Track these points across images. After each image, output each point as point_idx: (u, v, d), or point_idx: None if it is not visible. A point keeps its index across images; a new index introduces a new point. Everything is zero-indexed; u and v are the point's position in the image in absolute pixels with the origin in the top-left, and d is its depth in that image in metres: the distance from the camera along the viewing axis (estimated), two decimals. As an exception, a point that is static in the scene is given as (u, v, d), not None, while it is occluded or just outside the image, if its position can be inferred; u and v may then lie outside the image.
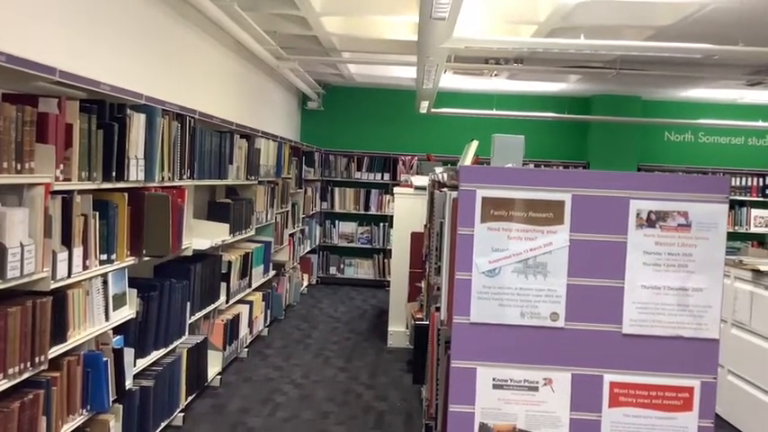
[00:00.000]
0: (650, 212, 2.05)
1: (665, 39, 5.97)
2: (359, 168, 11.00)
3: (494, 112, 9.79)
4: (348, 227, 11.06)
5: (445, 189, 3.22)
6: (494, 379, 2.06)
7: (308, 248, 10.17)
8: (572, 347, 2.07)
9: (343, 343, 7.28)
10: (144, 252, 4.03)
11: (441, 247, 2.90)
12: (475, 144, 5.27)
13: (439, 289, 3.11)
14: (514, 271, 2.07)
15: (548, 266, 2.06)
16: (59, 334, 3.21)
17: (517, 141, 3.30)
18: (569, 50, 6.17)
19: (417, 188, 7.29)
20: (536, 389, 2.06)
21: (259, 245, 6.97)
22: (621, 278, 2.06)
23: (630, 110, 10.39)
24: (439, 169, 3.87)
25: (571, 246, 2.07)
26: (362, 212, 11.00)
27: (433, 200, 4.61)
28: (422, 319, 5.81)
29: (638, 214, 2.05)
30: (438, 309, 2.89)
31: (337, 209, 11.03)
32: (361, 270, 11.01)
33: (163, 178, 4.26)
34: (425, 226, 6.03)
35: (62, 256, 3.16)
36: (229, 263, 5.92)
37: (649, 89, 9.78)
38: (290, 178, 8.55)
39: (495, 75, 8.47)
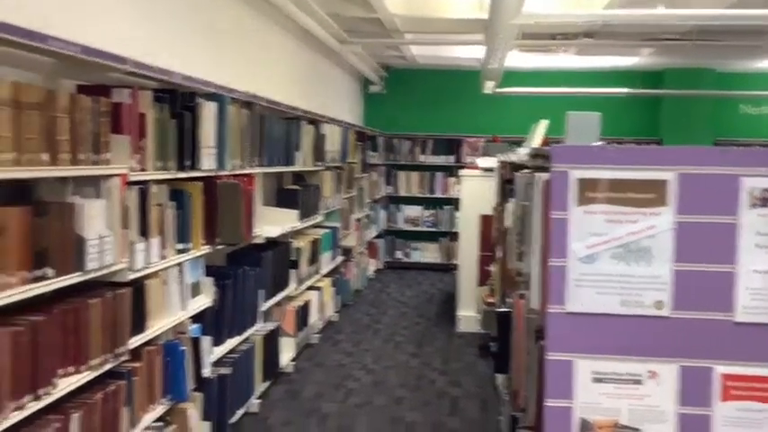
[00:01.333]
0: (765, 190, 1.89)
1: (749, 6, 5.65)
2: (423, 151, 10.88)
3: (563, 89, 9.51)
4: (413, 210, 10.97)
5: (525, 170, 3.09)
6: (594, 372, 1.94)
7: (375, 233, 10.12)
8: (679, 338, 1.93)
9: (413, 328, 7.22)
10: (218, 240, 4.02)
11: (524, 231, 2.78)
12: (544, 124, 5.10)
13: (520, 275, 2.99)
14: (614, 257, 1.94)
15: (651, 251, 1.92)
16: (139, 324, 3.21)
17: (592, 119, 3.14)
18: (647, 22, 5.91)
19: (484, 170, 7.14)
20: (640, 382, 1.93)
21: (327, 231, 6.94)
22: (733, 262, 1.91)
23: (704, 82, 9.98)
24: (522, 150, 3.72)
25: (676, 228, 1.92)
26: (427, 196, 10.89)
27: (507, 182, 4.48)
28: (494, 305, 5.69)
29: (750, 192, 1.89)
30: (522, 296, 2.77)
31: (402, 193, 10.94)
32: (427, 254, 10.91)
33: (233, 166, 4.24)
34: (495, 208, 5.89)
35: (140, 246, 3.16)
36: (298, 249, 5.91)
37: (723, 60, 9.35)
38: (355, 163, 8.50)
39: (564, 50, 8.22)
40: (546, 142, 5.08)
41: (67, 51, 2.65)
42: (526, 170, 3.06)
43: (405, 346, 6.51)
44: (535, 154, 2.69)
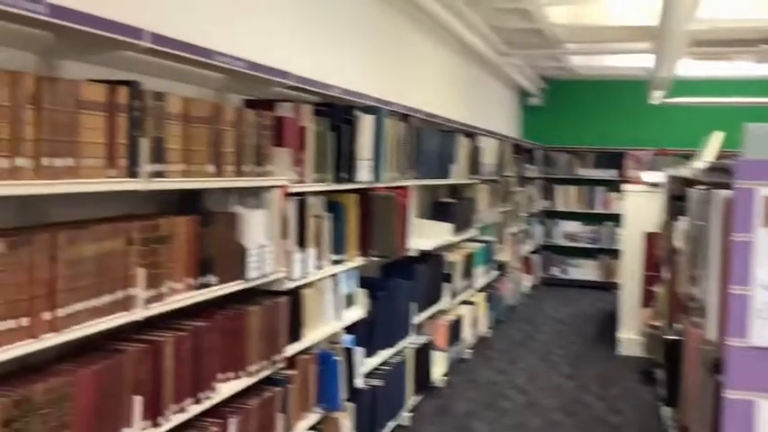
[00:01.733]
0: None
1: None
2: (582, 165, 10.50)
3: (739, 99, 8.83)
4: (571, 226, 10.60)
5: (700, 186, 2.85)
6: (782, 414, 1.73)
7: (530, 248, 9.87)
8: None
9: (569, 347, 6.94)
10: (372, 253, 4.04)
11: (698, 253, 2.56)
12: (719, 136, 4.73)
13: (693, 300, 2.76)
14: (808, 285, 1.72)
15: None
16: (295, 333, 3.27)
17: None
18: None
19: (649, 185, 6.75)
20: (838, 429, 1.70)
21: (481, 245, 6.83)
22: None
23: None
24: (696, 164, 3.46)
25: None
26: (586, 211, 10.49)
27: (677, 198, 4.19)
28: (659, 329, 5.34)
29: None
30: (696, 324, 2.55)
31: (560, 207, 10.61)
32: (586, 271, 10.50)
33: (389, 179, 4.25)
34: (662, 226, 5.54)
35: (297, 256, 3.21)
36: (452, 263, 5.84)
37: None
38: (511, 176, 8.33)
39: (741, 57, 7.64)
40: (721, 156, 4.72)
41: (234, 67, 2.75)
42: (701, 186, 2.82)
43: (560, 367, 6.26)
44: (713, 168, 2.47)
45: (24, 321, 1.83)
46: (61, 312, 1.94)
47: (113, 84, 2.12)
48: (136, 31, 2.22)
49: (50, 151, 1.88)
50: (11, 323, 1.79)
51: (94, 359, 2.15)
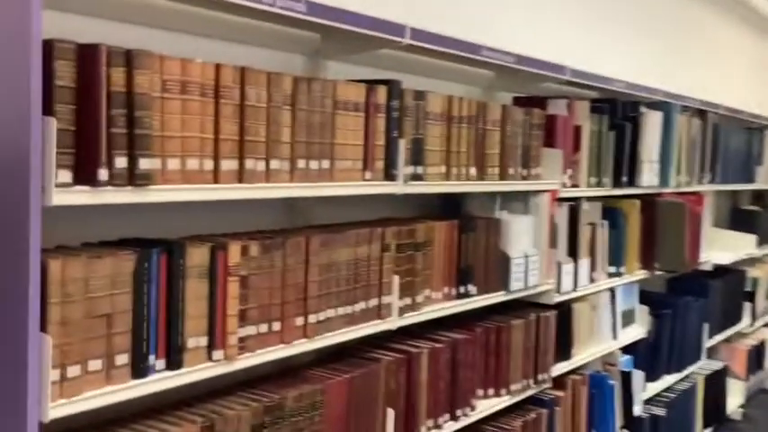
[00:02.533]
0: None
1: None
2: None
3: None
4: None
5: None
6: None
7: None
8: None
9: None
10: (656, 266, 3.61)
11: None
12: None
13: None
14: None
15: None
16: (563, 351, 3.00)
17: None
18: None
19: None
20: None
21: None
22: None
23: None
24: None
25: None
26: None
27: None
28: None
29: None
30: None
31: None
32: None
33: (678, 183, 3.78)
34: None
35: (567, 267, 2.94)
36: (755, 280, 5.12)
37: None
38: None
39: None
40: None
41: (502, 62, 2.56)
42: None
43: None
44: None
45: (276, 326, 1.80)
46: (313, 318, 1.89)
47: (372, 83, 2.04)
48: (399, 29, 2.12)
49: (306, 153, 1.84)
50: (263, 327, 1.77)
51: (347, 366, 2.09)
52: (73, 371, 1.40)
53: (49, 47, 1.33)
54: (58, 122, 1.32)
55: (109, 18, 1.71)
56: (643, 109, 3.38)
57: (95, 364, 1.44)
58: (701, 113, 4.05)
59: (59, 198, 1.34)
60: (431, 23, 2.23)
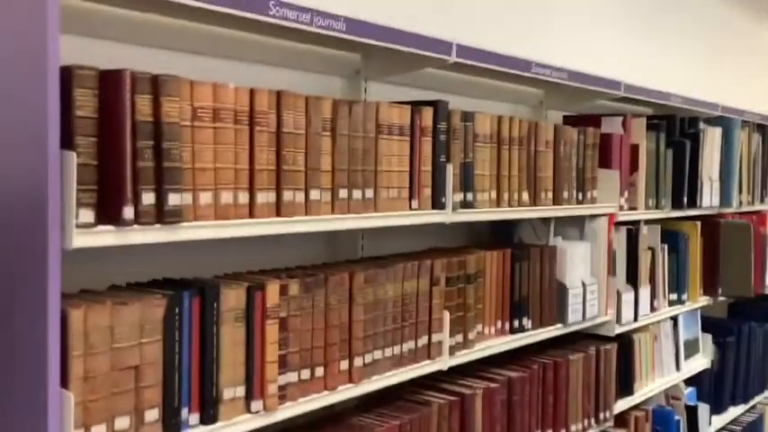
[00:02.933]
0: None
1: None
2: None
3: None
4: None
5: None
6: None
7: None
8: None
9: None
10: (720, 291, 3.39)
11: None
12: None
13: None
14: None
15: None
16: (625, 386, 2.81)
17: None
18: None
19: None
20: None
21: None
22: None
23: None
24: None
25: None
26: None
27: None
28: None
29: None
30: None
31: None
32: None
33: (740, 203, 3.56)
34: None
35: (627, 296, 2.75)
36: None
37: None
38: None
39: None
40: None
41: (553, 78, 2.40)
42: None
43: None
44: None
45: (319, 371, 1.66)
46: (359, 361, 1.74)
47: (416, 105, 1.90)
48: (445, 46, 1.98)
49: (348, 182, 1.70)
50: (305, 373, 1.62)
51: (396, 411, 1.93)
52: (98, 431, 1.26)
53: (67, 74, 1.21)
54: (78, 157, 1.20)
55: (133, 42, 1.60)
56: (702, 125, 3.18)
57: (123, 422, 1.31)
58: (761, 128, 3.83)
59: (81, 240, 1.21)
60: (475, 39, 2.08)
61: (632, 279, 2.80)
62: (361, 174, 1.74)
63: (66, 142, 1.20)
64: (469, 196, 2.04)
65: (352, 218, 1.72)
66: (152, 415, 1.35)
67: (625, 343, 2.80)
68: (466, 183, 2.03)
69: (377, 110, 1.78)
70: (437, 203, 1.94)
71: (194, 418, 1.43)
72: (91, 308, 1.26)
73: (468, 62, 2.06)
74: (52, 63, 1.16)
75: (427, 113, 1.91)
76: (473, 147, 2.05)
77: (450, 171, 1.95)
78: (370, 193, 1.76)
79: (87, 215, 1.24)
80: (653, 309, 2.93)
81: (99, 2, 1.50)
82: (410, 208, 1.88)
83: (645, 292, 2.86)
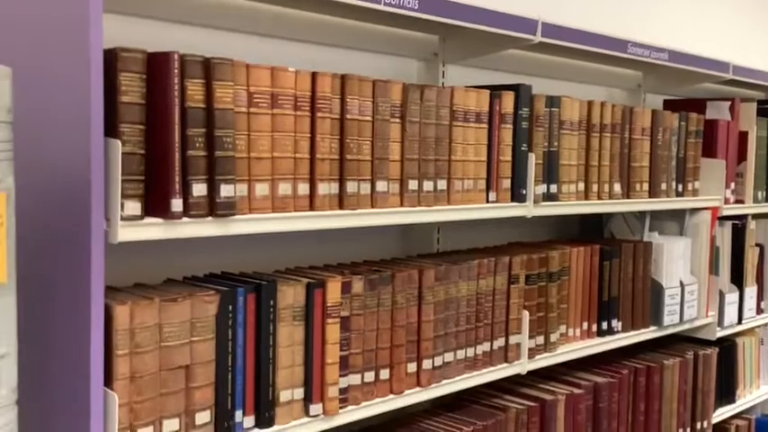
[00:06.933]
0: None
1: None
2: None
3: None
4: None
5: None
6: None
7: None
8: None
9: None
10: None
11: None
12: None
13: None
14: None
15: None
16: (726, 393, 2.59)
17: None
18: None
19: None
20: None
21: None
22: None
23: None
24: None
25: None
26: None
27: None
28: None
29: None
30: None
31: None
32: None
33: None
34: None
35: (730, 297, 2.52)
36: None
37: None
38: None
39: None
40: None
41: (652, 59, 2.20)
42: None
43: None
44: None
45: (384, 374, 1.56)
46: (428, 364, 1.63)
47: (496, 89, 1.76)
48: (529, 25, 1.83)
49: (419, 173, 1.59)
50: (369, 376, 1.53)
51: (469, 417, 1.82)
52: (144, 433, 1.21)
53: (112, 56, 1.14)
54: (123, 145, 1.14)
55: (183, 22, 1.51)
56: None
57: (172, 425, 1.25)
58: None
59: (126, 233, 1.15)
60: (561, 17, 1.92)
61: (737, 278, 2.57)
62: (434, 164, 1.62)
63: (111, 130, 1.14)
64: (553, 188, 1.89)
65: (422, 211, 1.60)
66: (203, 417, 1.29)
67: (727, 347, 2.58)
68: (550, 173, 1.88)
69: (451, 95, 1.65)
70: (517, 196, 1.80)
71: (249, 420, 1.36)
72: (137, 304, 1.20)
73: (555, 42, 1.90)
74: (95, 45, 1.09)
75: (508, 99, 1.77)
76: (558, 134, 1.90)
77: (533, 161, 1.81)
78: (442, 184, 1.64)
79: (134, 207, 1.17)
80: (759, 311, 2.69)
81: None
82: (487, 201, 1.74)
83: (751, 292, 2.63)
